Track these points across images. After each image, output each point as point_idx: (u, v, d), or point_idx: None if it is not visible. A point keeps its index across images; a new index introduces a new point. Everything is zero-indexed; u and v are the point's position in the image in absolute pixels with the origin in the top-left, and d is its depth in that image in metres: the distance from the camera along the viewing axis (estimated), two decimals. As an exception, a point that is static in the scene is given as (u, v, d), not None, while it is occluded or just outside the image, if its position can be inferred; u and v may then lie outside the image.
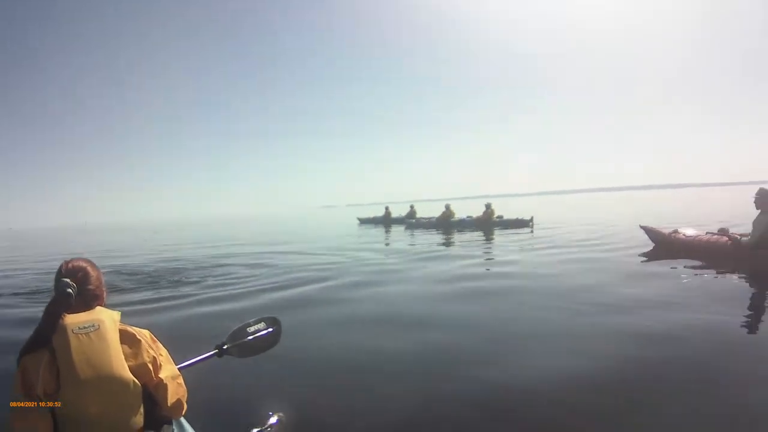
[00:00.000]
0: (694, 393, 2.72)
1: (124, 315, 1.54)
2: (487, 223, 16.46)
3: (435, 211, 19.07)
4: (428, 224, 18.24)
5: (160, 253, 13.54)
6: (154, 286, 7.22)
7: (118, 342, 1.42)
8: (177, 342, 3.17)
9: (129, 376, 1.39)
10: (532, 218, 16.14)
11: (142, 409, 1.43)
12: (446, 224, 17.49)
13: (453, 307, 5.24)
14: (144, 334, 1.52)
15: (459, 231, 16.08)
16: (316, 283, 6.91)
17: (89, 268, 1.55)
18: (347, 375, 3.28)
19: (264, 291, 6.41)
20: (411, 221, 19.57)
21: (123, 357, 1.40)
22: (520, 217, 16.59)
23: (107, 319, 1.44)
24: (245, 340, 2.27)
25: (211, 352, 2.19)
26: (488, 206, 16.93)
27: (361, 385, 3.09)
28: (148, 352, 1.47)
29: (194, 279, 7.80)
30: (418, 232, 16.51)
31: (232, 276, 7.87)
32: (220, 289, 6.70)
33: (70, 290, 1.45)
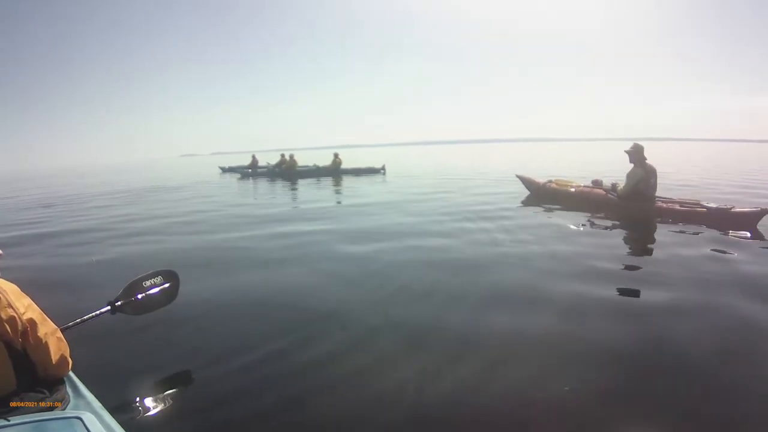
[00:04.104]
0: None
1: None
2: (336, 172, 16.36)
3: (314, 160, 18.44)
4: (270, 173, 17.32)
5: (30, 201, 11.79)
6: (22, 236, 6.45)
7: None
8: (60, 296, 3.24)
9: None
10: (383, 166, 16.71)
11: (10, 371, 1.34)
12: (290, 173, 16.69)
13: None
14: (5, 290, 1.37)
15: (304, 179, 15.28)
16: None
17: None
18: (250, 328, 2.97)
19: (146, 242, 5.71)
20: (248, 171, 18.59)
21: None
22: (371, 166, 16.90)
23: None
24: (141, 296, 2.15)
25: (103, 309, 2.06)
26: (336, 155, 16.95)
27: (264, 336, 2.78)
28: (6, 309, 1.34)
29: (66, 229, 6.88)
30: (259, 181, 15.51)
31: (100, 226, 7.03)
32: (98, 239, 5.97)
33: None
